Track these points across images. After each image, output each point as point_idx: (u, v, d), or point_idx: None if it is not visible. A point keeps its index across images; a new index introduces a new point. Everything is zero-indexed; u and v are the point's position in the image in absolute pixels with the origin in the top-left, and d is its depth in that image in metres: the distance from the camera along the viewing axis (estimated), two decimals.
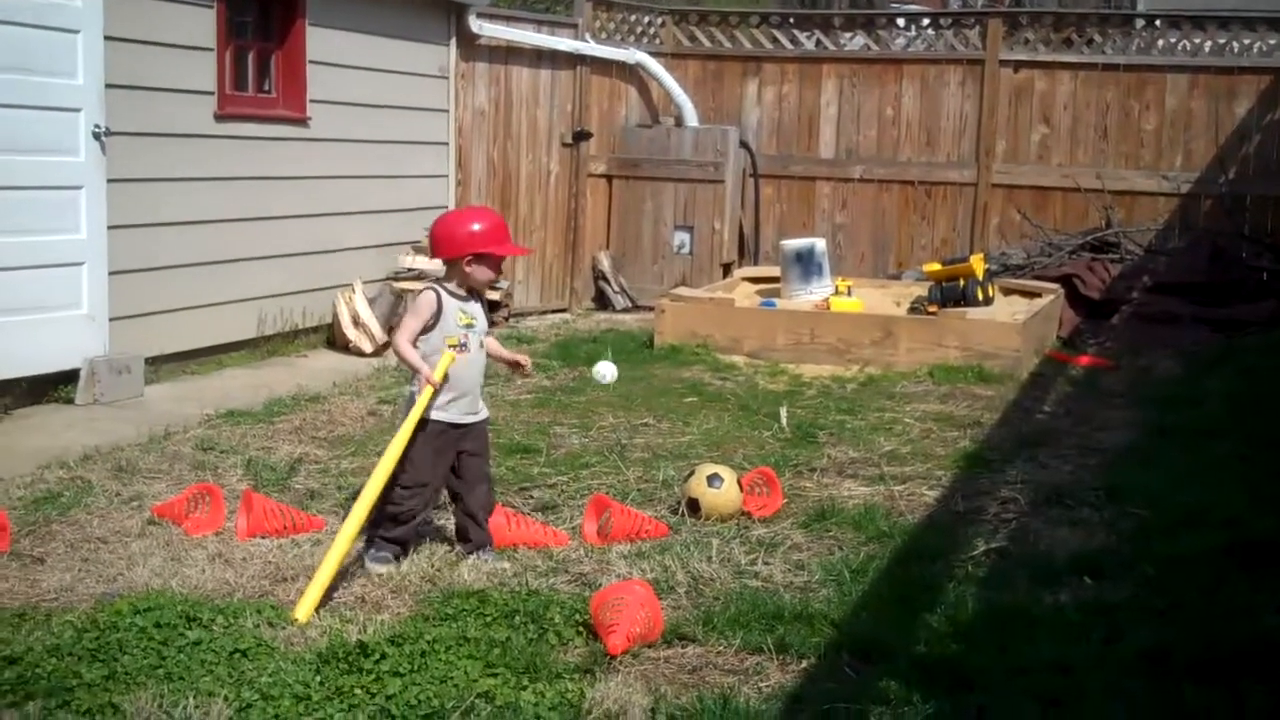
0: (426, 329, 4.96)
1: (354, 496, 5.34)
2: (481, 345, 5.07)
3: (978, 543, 5.32)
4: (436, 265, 6.03)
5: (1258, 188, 11.77)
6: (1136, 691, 3.85)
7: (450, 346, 4.94)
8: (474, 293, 5.07)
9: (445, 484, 5.10)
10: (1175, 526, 5.46)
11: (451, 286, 5.01)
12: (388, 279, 9.87)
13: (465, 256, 4.94)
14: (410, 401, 5.00)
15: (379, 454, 5.19)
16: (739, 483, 5.68)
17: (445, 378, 4.93)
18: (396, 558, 4.98)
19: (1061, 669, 4.02)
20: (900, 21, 13.30)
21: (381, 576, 4.87)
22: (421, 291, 5.09)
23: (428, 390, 4.91)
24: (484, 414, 5.16)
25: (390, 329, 5.28)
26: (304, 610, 4.40)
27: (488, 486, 5.19)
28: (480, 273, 5.00)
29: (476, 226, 4.99)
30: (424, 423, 4.95)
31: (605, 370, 8.75)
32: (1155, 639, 4.24)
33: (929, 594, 4.72)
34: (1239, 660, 4.02)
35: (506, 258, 5.27)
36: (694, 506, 5.60)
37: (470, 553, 5.06)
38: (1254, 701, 3.73)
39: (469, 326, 5.00)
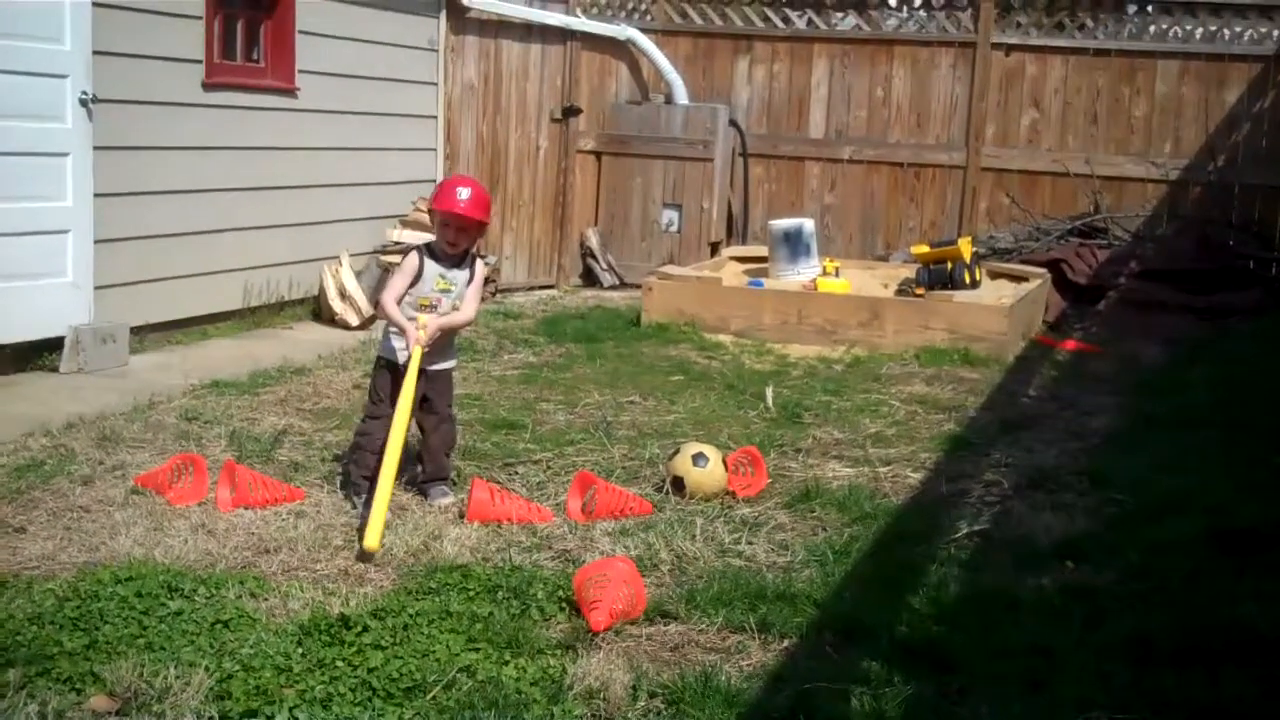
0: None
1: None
2: (455, 307, 5.36)
3: (961, 525, 5.33)
4: (423, 239, 6.30)
5: (1246, 176, 11.79)
6: (1117, 675, 3.87)
7: (421, 306, 5.30)
8: (467, 258, 5.36)
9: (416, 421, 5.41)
10: (1158, 512, 5.47)
11: (438, 249, 5.33)
12: (375, 252, 9.83)
13: (435, 215, 5.33)
14: (385, 338, 5.41)
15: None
16: (724, 462, 5.68)
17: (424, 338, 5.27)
18: (370, 482, 5.23)
19: (1043, 652, 4.03)
20: (892, 2, 13.26)
21: (357, 506, 5.22)
22: (410, 250, 5.41)
23: (417, 351, 5.23)
24: (449, 364, 5.52)
25: (376, 303, 5.99)
26: (373, 538, 4.68)
27: (450, 426, 5.57)
28: (441, 232, 5.31)
29: (442, 189, 5.33)
30: (382, 361, 5.38)
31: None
32: (1136, 624, 4.25)
33: (911, 575, 4.72)
34: (1219, 646, 4.04)
35: (473, 228, 5.31)
36: (679, 485, 5.60)
37: (424, 481, 5.48)
38: (1232, 688, 3.75)
39: (445, 291, 5.32)
